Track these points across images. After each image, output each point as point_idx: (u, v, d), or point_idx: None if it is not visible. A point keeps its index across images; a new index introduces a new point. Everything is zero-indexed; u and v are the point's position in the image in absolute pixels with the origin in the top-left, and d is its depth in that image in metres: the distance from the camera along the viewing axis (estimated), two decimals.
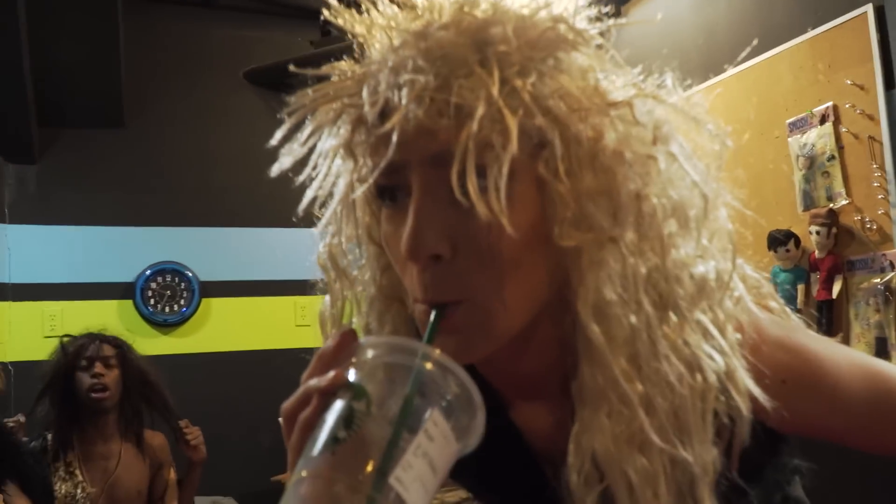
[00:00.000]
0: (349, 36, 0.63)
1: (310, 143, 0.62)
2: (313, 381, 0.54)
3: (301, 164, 0.63)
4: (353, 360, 0.55)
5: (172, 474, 2.67)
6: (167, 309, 3.63)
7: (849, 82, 2.27)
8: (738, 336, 0.63)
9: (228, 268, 3.78)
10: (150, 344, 3.37)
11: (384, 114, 0.56)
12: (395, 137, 0.54)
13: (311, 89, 0.60)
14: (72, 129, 3.57)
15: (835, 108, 2.32)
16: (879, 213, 2.19)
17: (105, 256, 3.59)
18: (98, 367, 2.44)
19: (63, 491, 2.36)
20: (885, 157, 2.17)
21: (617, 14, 3.29)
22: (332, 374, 0.53)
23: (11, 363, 3.30)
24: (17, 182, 3.49)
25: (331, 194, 0.66)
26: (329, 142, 0.62)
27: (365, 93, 0.57)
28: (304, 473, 0.49)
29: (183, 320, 3.68)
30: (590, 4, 0.61)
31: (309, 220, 0.68)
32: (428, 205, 0.57)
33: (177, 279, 3.66)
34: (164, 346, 3.59)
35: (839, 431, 0.71)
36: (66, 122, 3.54)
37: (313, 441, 0.50)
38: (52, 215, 3.53)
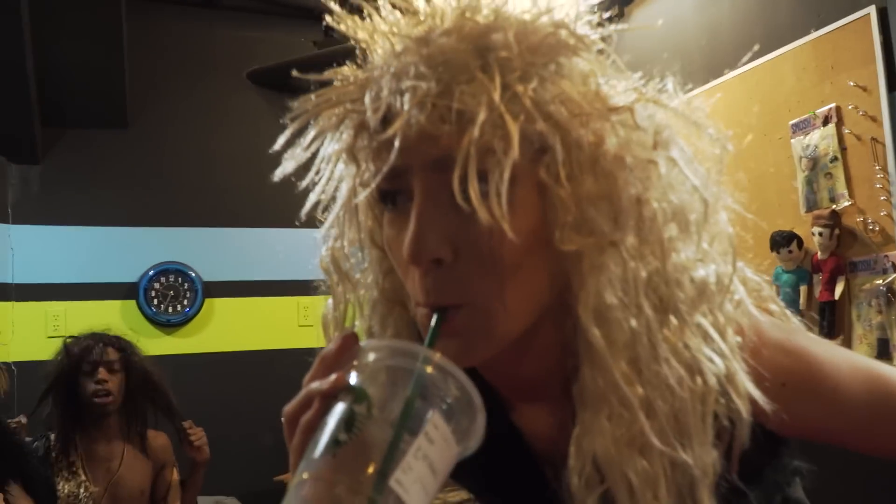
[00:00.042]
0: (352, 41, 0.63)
1: (313, 148, 0.62)
2: (315, 385, 0.54)
3: (304, 168, 0.64)
4: (355, 363, 0.55)
5: (175, 474, 2.67)
6: (170, 309, 3.64)
7: (852, 84, 2.26)
8: (739, 339, 0.63)
9: (231, 268, 3.79)
10: (153, 344, 3.37)
11: (386, 119, 0.56)
12: (397, 143, 0.55)
13: (313, 94, 0.60)
14: (75, 129, 3.58)
15: (837, 109, 2.32)
16: (882, 214, 2.19)
17: (108, 257, 3.60)
18: (102, 374, 2.43)
19: (66, 490, 2.36)
20: (888, 158, 2.17)
21: (620, 14, 3.29)
22: (333, 377, 0.53)
23: (15, 363, 3.30)
24: (20, 182, 3.50)
25: (333, 198, 0.67)
26: (332, 146, 0.62)
27: (367, 98, 0.57)
28: (305, 475, 0.49)
29: (186, 320, 3.68)
30: (592, 9, 0.62)
31: (312, 221, 0.69)
32: (430, 209, 0.57)
33: (180, 279, 3.67)
34: (168, 347, 3.60)
35: (839, 434, 0.71)
36: (70, 122, 3.55)
37: (315, 443, 0.51)
38: (56, 215, 3.53)
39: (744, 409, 0.60)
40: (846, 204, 2.29)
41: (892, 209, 2.16)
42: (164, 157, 3.74)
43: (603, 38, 0.61)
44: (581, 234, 0.58)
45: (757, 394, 0.61)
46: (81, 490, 2.38)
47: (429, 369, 0.52)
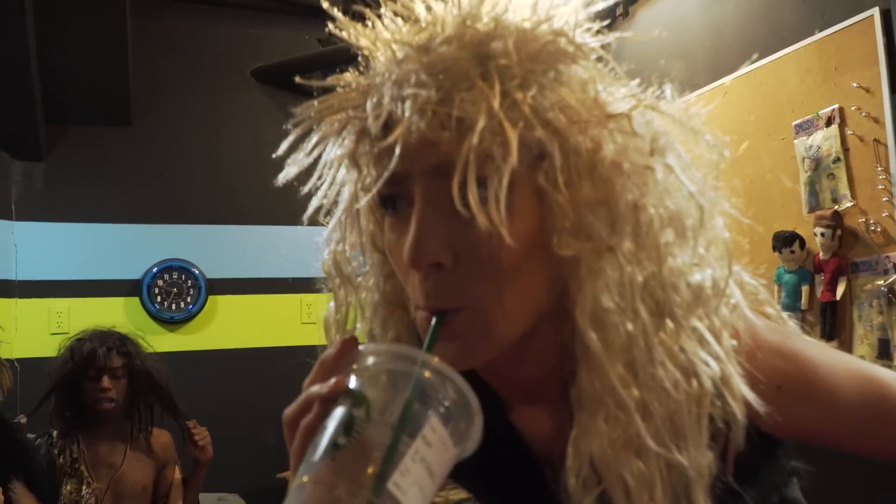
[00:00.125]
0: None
1: (315, 153, 0.63)
2: (315, 388, 0.55)
3: (307, 172, 0.65)
4: (354, 366, 0.56)
5: (177, 473, 2.67)
6: (174, 306, 3.65)
7: (855, 85, 2.27)
8: (734, 342, 0.64)
9: (235, 265, 3.80)
10: (156, 341, 3.36)
11: (387, 126, 0.57)
12: (398, 149, 0.55)
13: (316, 100, 0.61)
14: (79, 126, 3.59)
15: (840, 110, 2.32)
16: (884, 215, 2.19)
17: (112, 254, 3.60)
18: (105, 382, 2.42)
19: (69, 488, 2.37)
20: (890, 159, 2.17)
21: (626, 13, 3.29)
22: (332, 381, 0.54)
23: (18, 360, 3.31)
24: (24, 179, 3.51)
25: (335, 202, 0.67)
26: (334, 152, 0.63)
27: (369, 105, 0.58)
28: (305, 479, 0.50)
29: (189, 317, 3.69)
30: (591, 17, 0.62)
31: (315, 219, 0.70)
32: (430, 214, 0.58)
33: (183, 276, 3.68)
34: (171, 344, 3.61)
35: (834, 436, 0.72)
36: (74, 119, 3.56)
37: (315, 447, 0.52)
38: (59, 212, 3.54)
39: (739, 412, 0.61)
40: (848, 205, 2.29)
41: (893, 210, 2.16)
42: (167, 155, 3.74)
43: (602, 46, 0.62)
44: (579, 239, 0.58)
45: (752, 396, 0.62)
46: (84, 487, 2.39)
47: (427, 373, 0.53)
